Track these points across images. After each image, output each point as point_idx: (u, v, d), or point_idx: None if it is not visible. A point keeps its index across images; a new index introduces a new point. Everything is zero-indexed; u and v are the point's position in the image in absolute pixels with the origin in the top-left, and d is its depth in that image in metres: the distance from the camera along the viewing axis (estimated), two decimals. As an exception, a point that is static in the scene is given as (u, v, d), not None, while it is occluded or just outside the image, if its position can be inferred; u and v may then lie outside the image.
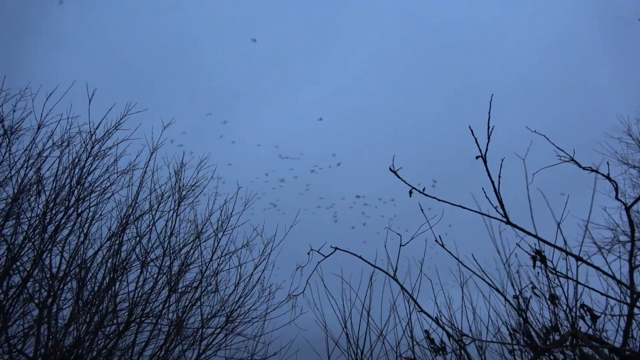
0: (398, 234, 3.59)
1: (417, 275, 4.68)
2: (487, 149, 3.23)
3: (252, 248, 6.28)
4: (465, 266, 3.69)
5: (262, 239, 6.34)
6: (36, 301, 5.04)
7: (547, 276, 4.17)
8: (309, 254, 3.93)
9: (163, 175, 6.23)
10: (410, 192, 3.42)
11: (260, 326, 5.97)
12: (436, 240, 3.70)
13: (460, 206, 3.47)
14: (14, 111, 5.45)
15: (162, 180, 6.21)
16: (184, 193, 6.19)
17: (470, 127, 3.31)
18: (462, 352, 4.01)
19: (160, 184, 6.16)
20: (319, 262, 3.84)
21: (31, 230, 5.24)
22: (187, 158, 6.33)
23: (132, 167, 5.86)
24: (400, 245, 3.60)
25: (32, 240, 5.12)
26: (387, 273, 3.72)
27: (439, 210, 3.52)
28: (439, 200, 3.45)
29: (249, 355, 5.77)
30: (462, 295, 4.29)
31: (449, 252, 3.66)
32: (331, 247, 3.74)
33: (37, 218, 5.21)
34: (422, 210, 3.70)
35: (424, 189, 3.43)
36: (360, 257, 3.73)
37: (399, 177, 3.44)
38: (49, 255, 5.24)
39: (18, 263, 4.97)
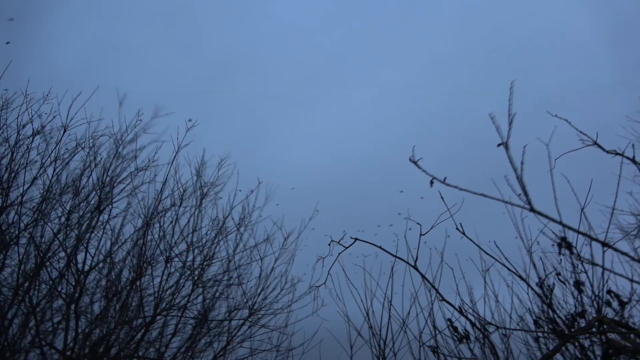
0: (418, 223, 3.57)
1: (438, 265, 4.64)
2: (509, 137, 3.18)
3: (272, 242, 6.32)
4: (487, 253, 3.65)
5: (282, 233, 6.36)
6: (64, 296, 5.16)
7: (572, 263, 4.11)
8: (329, 245, 3.93)
9: (186, 174, 6.32)
10: (432, 182, 3.41)
11: (283, 318, 6.02)
12: (457, 228, 3.68)
13: (482, 195, 3.43)
14: (39, 116, 5.57)
15: (187, 178, 6.29)
16: (206, 190, 6.26)
17: (490, 116, 3.26)
18: (486, 340, 3.99)
19: (183, 182, 6.22)
20: (339, 253, 3.85)
21: (61, 228, 5.36)
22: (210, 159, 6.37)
23: (152, 164, 5.94)
24: (421, 235, 3.58)
25: (61, 239, 5.24)
26: (407, 262, 3.72)
27: (458, 200, 3.49)
28: (460, 189, 3.42)
29: (273, 346, 5.83)
30: (485, 283, 4.25)
31: (470, 239, 3.63)
32: (351, 237, 3.74)
33: (65, 217, 5.33)
34: (442, 198, 3.67)
35: (444, 179, 3.40)
36: (380, 248, 3.74)
37: (419, 167, 3.42)
38: (75, 252, 5.35)
39: (47, 262, 5.09)
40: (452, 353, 4.38)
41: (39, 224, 5.29)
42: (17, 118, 5.63)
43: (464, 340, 4.12)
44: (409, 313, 4.69)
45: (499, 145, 3.27)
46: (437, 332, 4.49)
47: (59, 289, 5.28)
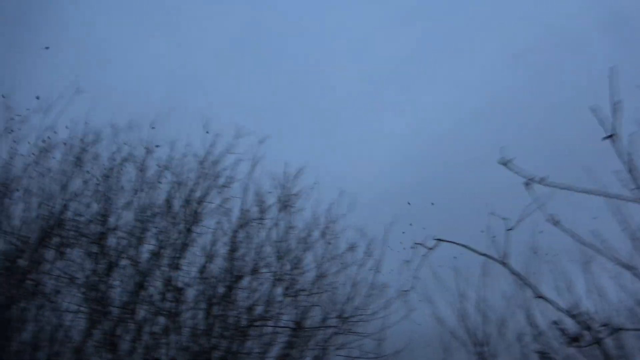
0: (504, 218, 3.40)
1: (532, 261, 4.40)
2: (616, 127, 2.95)
3: (357, 249, 6.31)
4: (587, 245, 3.38)
5: (365, 240, 6.35)
6: (164, 312, 5.49)
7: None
8: (412, 248, 3.86)
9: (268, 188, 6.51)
10: (527, 183, 3.25)
11: (373, 324, 5.97)
12: (549, 220, 3.44)
13: (585, 191, 3.19)
14: (124, 144, 6.01)
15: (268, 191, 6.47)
16: (289, 202, 6.40)
17: (592, 108, 3.04)
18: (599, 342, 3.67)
19: (266, 196, 6.42)
20: (423, 256, 3.76)
21: (156, 248, 5.73)
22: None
23: (234, 181, 6.23)
24: (507, 230, 3.41)
25: (157, 258, 5.61)
26: (497, 260, 3.54)
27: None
28: (560, 188, 3.22)
29: (364, 353, 5.81)
30: (585, 276, 3.94)
31: (567, 231, 3.37)
32: (434, 239, 3.64)
33: (159, 237, 5.71)
34: (528, 190, 3.45)
35: (541, 179, 3.22)
36: (466, 247, 3.60)
37: (510, 169, 3.27)
38: (172, 270, 5.69)
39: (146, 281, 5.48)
40: (560, 355, 4.12)
41: (135, 245, 5.67)
42: (107, 148, 6.13)
43: (575, 342, 3.83)
44: (504, 313, 4.48)
45: (606, 137, 3.04)
46: (539, 332, 4.25)
47: (159, 305, 5.62)
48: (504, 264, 3.54)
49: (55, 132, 5.97)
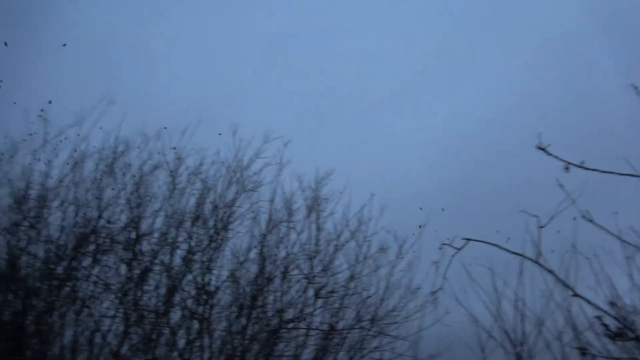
0: (534, 215, 3.28)
1: (570, 258, 4.23)
2: None
3: (389, 251, 6.26)
4: (622, 241, 3.22)
5: (396, 241, 6.29)
6: (197, 316, 5.59)
7: None
8: (440, 248, 3.77)
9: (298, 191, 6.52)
10: (567, 168, 3.14)
11: (406, 326, 5.89)
12: (583, 216, 3.31)
13: (622, 174, 3.04)
14: (155, 152, 6.16)
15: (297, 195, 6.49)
16: (319, 205, 6.41)
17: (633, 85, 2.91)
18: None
19: (296, 199, 6.45)
20: (452, 256, 3.67)
21: (187, 253, 5.83)
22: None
23: (264, 185, 6.36)
24: (540, 227, 3.28)
25: (188, 263, 5.70)
26: (529, 258, 3.42)
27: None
28: (602, 172, 3.08)
29: (398, 355, 5.73)
30: (628, 272, 3.75)
31: (601, 227, 3.23)
32: (462, 239, 3.55)
33: (189, 242, 5.81)
34: (561, 186, 3.33)
35: (582, 163, 3.10)
36: (496, 245, 3.49)
37: (549, 153, 3.16)
38: (203, 274, 5.78)
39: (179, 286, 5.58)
40: (602, 353, 3.95)
41: (167, 251, 5.80)
42: (138, 156, 6.30)
43: (618, 338, 3.69)
44: (541, 312, 4.33)
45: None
46: (578, 331, 4.08)
47: (191, 309, 5.74)
48: (537, 262, 3.42)
49: (88, 143, 6.16)
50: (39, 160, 5.95)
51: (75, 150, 6.07)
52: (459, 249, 3.57)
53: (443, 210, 6.37)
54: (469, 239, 3.52)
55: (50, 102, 6.12)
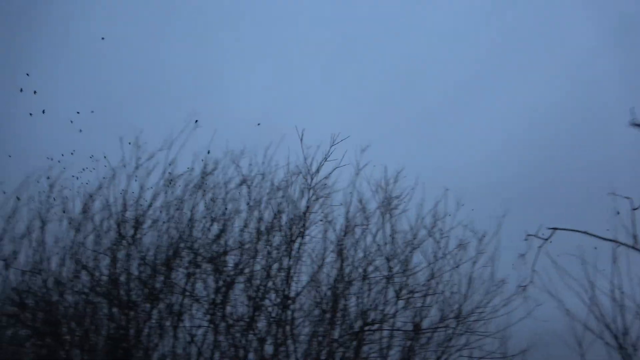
0: (627, 197, 3.12)
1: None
2: None
3: (468, 246, 6.14)
4: None
5: (476, 236, 6.17)
6: (280, 322, 5.89)
7: None
8: (526, 240, 3.68)
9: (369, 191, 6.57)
10: None
11: (493, 323, 5.75)
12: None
13: None
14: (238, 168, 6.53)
15: (370, 196, 6.55)
16: (392, 204, 6.43)
17: None
18: None
19: (368, 199, 6.51)
20: (539, 247, 3.56)
21: (268, 262, 6.05)
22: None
23: (336, 189, 6.46)
24: (633, 209, 3.11)
25: (269, 271, 6.02)
26: (625, 244, 3.24)
27: None
28: None
29: (488, 353, 5.60)
30: None
31: None
32: (548, 228, 3.44)
33: (270, 251, 6.04)
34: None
35: None
36: (586, 233, 3.34)
37: None
38: (285, 281, 5.97)
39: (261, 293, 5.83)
40: None
41: (250, 261, 6.12)
42: (222, 173, 6.61)
43: None
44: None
45: None
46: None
47: (275, 315, 5.97)
48: (633, 247, 3.23)
49: (177, 164, 6.58)
50: (134, 181, 6.41)
51: (166, 172, 6.47)
52: (546, 239, 3.45)
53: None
54: (555, 228, 3.39)
55: (93, 111, 7.05)
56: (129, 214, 6.28)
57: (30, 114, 6.96)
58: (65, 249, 6.15)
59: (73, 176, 6.58)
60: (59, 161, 6.59)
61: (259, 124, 7.22)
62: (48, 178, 6.48)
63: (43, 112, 7.06)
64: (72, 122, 7.02)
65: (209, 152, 6.63)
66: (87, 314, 5.91)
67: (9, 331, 6.20)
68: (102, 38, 8.71)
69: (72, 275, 6.06)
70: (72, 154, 6.70)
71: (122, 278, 6.01)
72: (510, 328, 5.71)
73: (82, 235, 6.21)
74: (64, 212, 6.37)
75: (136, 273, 6.05)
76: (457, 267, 6.19)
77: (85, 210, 6.35)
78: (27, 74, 7.17)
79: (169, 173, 6.50)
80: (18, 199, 6.38)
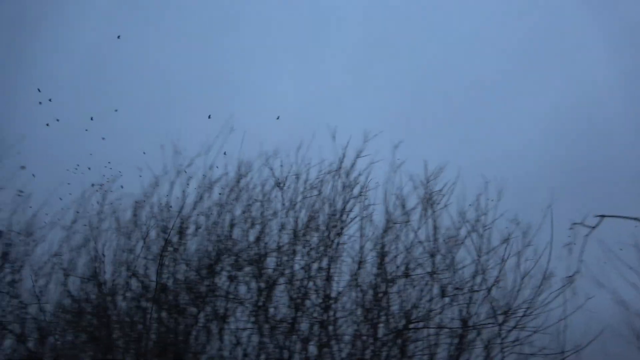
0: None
1: None
2: None
3: (512, 239, 5.98)
4: None
5: (520, 228, 6.00)
6: (322, 322, 5.91)
7: None
8: (571, 229, 3.55)
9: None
10: None
11: (543, 317, 5.56)
12: None
13: None
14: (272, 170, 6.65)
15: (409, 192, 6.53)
16: (433, 199, 6.35)
17: None
18: None
19: (406, 195, 6.44)
20: (586, 236, 3.43)
21: (310, 262, 6.09)
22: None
23: (371, 186, 6.46)
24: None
25: (308, 272, 6.11)
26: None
27: None
28: None
29: (540, 349, 5.42)
30: None
31: None
32: (595, 216, 3.30)
33: (309, 253, 6.13)
34: None
35: None
36: (637, 219, 3.19)
37: None
38: (326, 281, 6.01)
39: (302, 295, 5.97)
40: None
41: (290, 263, 6.18)
42: (259, 176, 6.73)
43: None
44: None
45: None
46: None
47: (318, 316, 5.98)
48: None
49: (214, 169, 6.75)
50: (176, 188, 6.64)
51: (205, 177, 6.67)
52: (593, 228, 3.30)
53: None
54: (603, 215, 3.23)
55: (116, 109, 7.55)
56: (174, 221, 6.49)
57: (47, 124, 7.38)
58: (117, 257, 6.46)
59: (121, 187, 6.92)
60: (90, 169, 6.98)
61: (278, 118, 7.43)
62: (101, 187, 6.84)
63: (57, 120, 7.40)
64: (87, 130, 7.49)
65: (242, 155, 6.77)
66: (137, 319, 6.16)
67: (69, 336, 6.51)
68: (118, 37, 8.97)
69: (124, 282, 6.34)
70: (107, 164, 7.00)
71: (170, 283, 6.22)
72: (562, 322, 5.52)
73: (131, 243, 6.49)
74: (115, 220, 6.67)
75: (182, 278, 6.25)
76: (502, 261, 6.03)
77: (133, 218, 6.63)
78: (39, 90, 7.51)
79: (208, 178, 6.68)
80: (77, 212, 6.75)
